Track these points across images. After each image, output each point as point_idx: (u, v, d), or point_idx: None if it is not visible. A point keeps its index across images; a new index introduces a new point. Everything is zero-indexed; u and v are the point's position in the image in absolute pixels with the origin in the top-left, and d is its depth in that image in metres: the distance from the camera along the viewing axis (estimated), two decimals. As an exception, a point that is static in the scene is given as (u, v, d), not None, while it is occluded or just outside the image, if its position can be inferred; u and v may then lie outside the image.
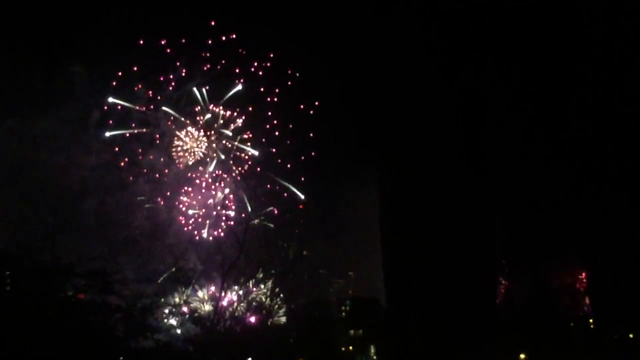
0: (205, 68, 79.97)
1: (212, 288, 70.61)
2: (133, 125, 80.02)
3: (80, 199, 75.01)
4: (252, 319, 68.45)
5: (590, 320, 77.93)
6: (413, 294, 56.24)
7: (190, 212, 75.88)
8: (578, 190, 65.49)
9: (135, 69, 78.42)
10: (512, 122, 57.34)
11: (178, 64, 79.96)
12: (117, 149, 79.08)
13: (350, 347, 77.41)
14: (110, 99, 76.73)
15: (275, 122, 78.39)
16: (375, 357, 76.80)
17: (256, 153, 77.57)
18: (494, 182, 56.28)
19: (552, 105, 58.57)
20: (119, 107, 79.23)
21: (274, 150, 79.10)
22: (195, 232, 76.08)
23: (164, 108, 78.48)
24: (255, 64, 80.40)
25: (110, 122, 79.08)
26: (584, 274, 78.83)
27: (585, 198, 65.75)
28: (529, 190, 67.66)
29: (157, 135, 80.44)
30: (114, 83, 78.05)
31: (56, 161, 74.81)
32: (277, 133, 77.97)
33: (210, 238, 75.36)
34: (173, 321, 61.81)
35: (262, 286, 71.25)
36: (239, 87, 77.72)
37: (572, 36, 56.22)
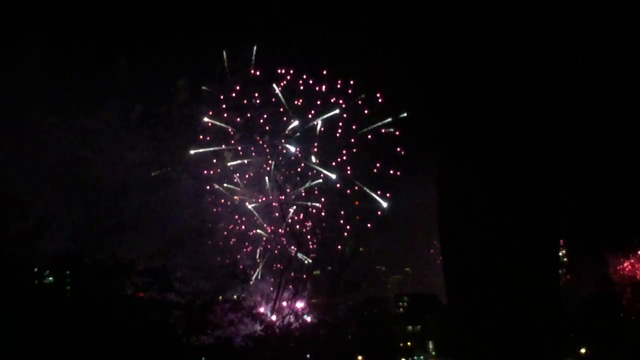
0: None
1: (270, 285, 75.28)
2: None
3: (125, 198, 79.77)
4: (310, 316, 72.84)
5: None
6: (474, 289, 58.72)
7: (250, 206, 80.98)
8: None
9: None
10: (577, 115, 60.15)
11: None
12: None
13: (409, 343, 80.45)
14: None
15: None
16: (433, 353, 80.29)
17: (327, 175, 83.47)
18: (558, 173, 58.16)
19: (618, 97, 61.38)
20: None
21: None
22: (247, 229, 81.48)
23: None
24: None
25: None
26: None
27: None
28: (592, 183, 70.54)
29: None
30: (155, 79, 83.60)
31: (99, 159, 79.67)
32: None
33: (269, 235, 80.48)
34: (232, 318, 65.94)
35: (320, 283, 75.66)
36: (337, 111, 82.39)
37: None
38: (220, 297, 65.37)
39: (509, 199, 53.15)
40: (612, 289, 77.36)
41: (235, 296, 69.93)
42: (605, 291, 76.76)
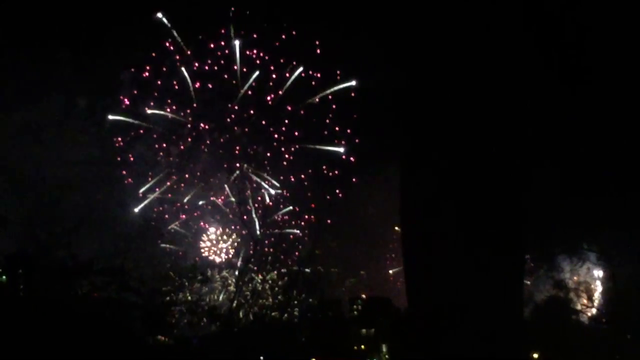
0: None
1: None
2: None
3: (75, 196, 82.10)
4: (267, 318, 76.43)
5: (604, 320, 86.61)
6: (436, 293, 62.21)
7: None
8: (599, 188, 73.79)
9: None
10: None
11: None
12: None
13: (362, 346, 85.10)
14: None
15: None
16: (387, 356, 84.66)
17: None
18: (522, 180, 61.70)
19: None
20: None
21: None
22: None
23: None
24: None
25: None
26: (601, 273, 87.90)
27: (606, 196, 74.02)
28: (549, 189, 75.60)
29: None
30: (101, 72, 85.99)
31: (43, 156, 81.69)
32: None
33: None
34: (191, 318, 69.48)
35: (276, 285, 79.61)
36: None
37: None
38: (180, 295, 68.99)
39: (474, 203, 56.92)
40: (566, 294, 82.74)
41: (189, 297, 73.73)
42: (559, 296, 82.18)
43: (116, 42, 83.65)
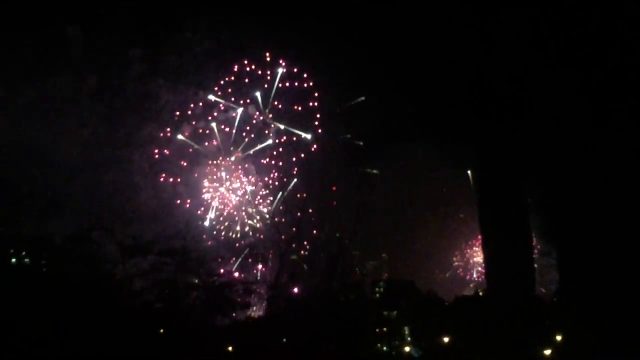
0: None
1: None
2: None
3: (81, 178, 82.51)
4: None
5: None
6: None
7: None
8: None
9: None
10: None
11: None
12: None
13: (385, 329, 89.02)
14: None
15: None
16: (409, 339, 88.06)
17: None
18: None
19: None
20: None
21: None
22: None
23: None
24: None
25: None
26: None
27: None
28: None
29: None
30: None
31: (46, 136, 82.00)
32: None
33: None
34: (247, 300, 71.50)
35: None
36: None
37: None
38: (237, 277, 71.08)
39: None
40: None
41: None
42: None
43: (126, 19, 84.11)
